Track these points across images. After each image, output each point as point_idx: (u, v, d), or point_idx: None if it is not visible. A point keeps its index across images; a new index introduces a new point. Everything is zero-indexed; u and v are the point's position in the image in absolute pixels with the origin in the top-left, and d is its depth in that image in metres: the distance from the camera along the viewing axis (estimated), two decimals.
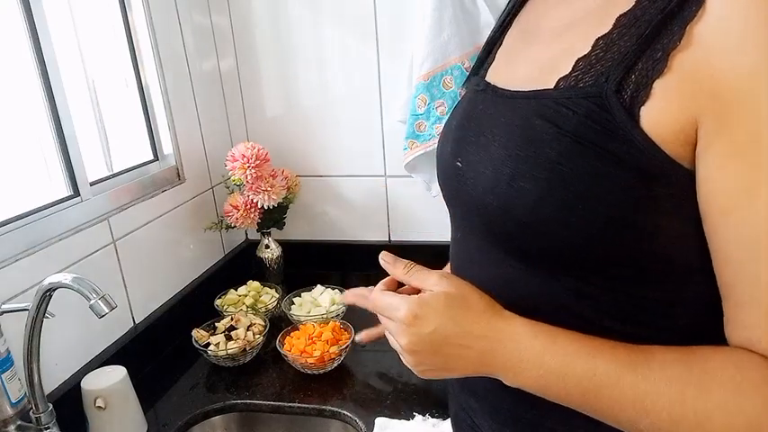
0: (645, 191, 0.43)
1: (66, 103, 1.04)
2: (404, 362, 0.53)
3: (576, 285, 0.48)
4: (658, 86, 0.41)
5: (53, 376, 0.97)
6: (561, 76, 0.47)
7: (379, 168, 1.52)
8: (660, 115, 0.41)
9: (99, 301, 0.77)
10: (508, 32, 0.62)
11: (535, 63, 0.52)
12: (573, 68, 0.46)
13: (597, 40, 0.45)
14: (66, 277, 0.79)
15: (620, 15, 0.45)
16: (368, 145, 1.51)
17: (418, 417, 1.00)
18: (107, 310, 0.77)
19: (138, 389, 1.01)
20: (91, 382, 0.94)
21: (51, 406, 0.85)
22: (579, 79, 0.45)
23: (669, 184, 0.42)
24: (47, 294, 0.81)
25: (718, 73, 0.38)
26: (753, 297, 0.40)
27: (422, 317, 0.50)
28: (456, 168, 0.55)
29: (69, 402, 0.94)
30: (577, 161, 0.44)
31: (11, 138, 1.00)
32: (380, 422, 0.99)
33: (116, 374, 0.96)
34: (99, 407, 0.92)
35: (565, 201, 0.44)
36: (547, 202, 0.45)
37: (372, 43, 1.43)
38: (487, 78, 0.59)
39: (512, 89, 0.52)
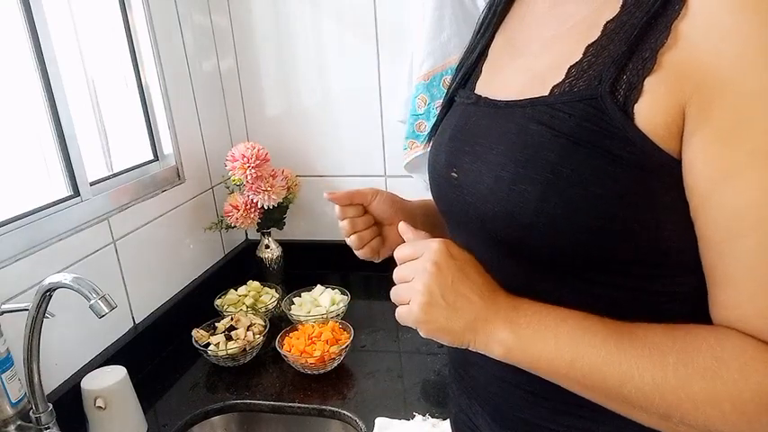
0: (644, 187, 0.43)
1: (66, 103, 1.04)
2: (416, 293, 0.50)
3: (581, 284, 0.49)
4: (649, 84, 0.42)
5: (53, 377, 0.97)
6: (555, 83, 0.47)
7: (379, 168, 1.52)
8: (653, 111, 0.42)
9: (99, 301, 0.77)
10: (492, 45, 0.62)
11: (526, 73, 0.53)
12: (566, 75, 0.47)
13: (588, 47, 0.46)
14: (66, 277, 0.79)
15: (608, 22, 0.46)
16: (368, 145, 1.51)
17: (418, 417, 1.00)
18: (107, 310, 0.77)
19: (138, 389, 1.01)
20: (91, 382, 0.94)
21: (51, 406, 0.85)
22: (573, 85, 0.46)
23: (667, 179, 0.43)
24: (47, 294, 0.81)
25: (703, 64, 0.40)
26: (731, 278, 0.42)
27: (455, 248, 0.51)
28: (451, 180, 0.56)
29: (69, 402, 0.94)
30: (576, 162, 0.44)
31: (11, 137, 1.00)
32: (380, 422, 0.99)
33: (116, 374, 0.96)
34: (99, 407, 0.92)
35: (566, 201, 0.45)
36: (548, 203, 0.45)
37: (372, 43, 1.43)
38: (477, 91, 0.59)
39: (505, 99, 0.53)
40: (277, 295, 1.40)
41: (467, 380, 0.61)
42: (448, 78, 1.28)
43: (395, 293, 0.53)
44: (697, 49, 0.40)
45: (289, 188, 1.49)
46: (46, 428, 0.84)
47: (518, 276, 0.52)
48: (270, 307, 1.37)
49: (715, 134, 0.40)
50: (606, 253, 0.46)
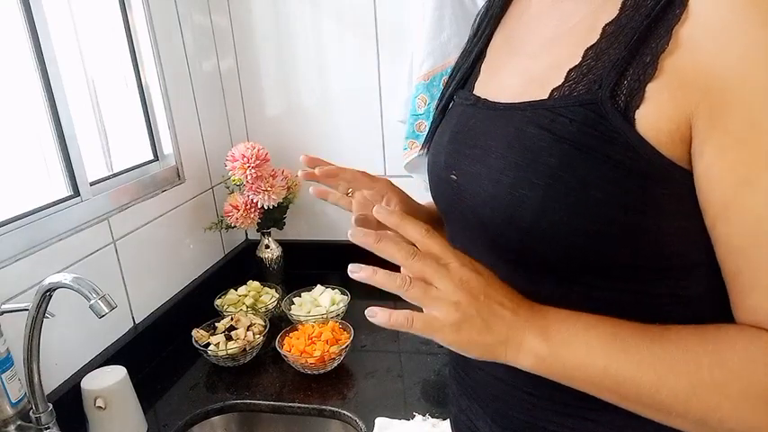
0: (645, 193, 0.43)
1: (66, 103, 1.04)
2: (447, 308, 0.45)
3: (581, 288, 0.48)
4: (651, 90, 0.41)
5: (53, 377, 0.97)
6: (554, 86, 0.47)
7: (380, 168, 1.52)
8: (655, 117, 0.41)
9: (99, 301, 0.77)
10: (490, 44, 0.62)
11: (524, 75, 0.52)
12: (565, 79, 0.46)
13: (587, 50, 0.46)
14: (66, 277, 0.79)
15: (606, 25, 0.46)
16: (368, 145, 1.51)
17: (418, 417, 1.00)
18: (107, 310, 0.77)
19: (138, 389, 1.01)
20: (91, 383, 0.94)
21: (51, 406, 0.85)
22: (573, 89, 0.46)
23: (668, 185, 0.43)
24: (47, 294, 0.81)
25: (708, 69, 0.39)
26: (758, 283, 0.41)
27: (476, 263, 0.48)
28: (451, 182, 0.55)
29: (69, 402, 0.94)
30: (577, 167, 0.44)
31: (11, 137, 1.00)
32: (380, 422, 0.99)
33: (116, 374, 0.96)
34: (99, 407, 0.92)
35: (566, 205, 0.45)
36: (548, 208, 0.45)
37: (372, 43, 1.43)
38: (476, 92, 0.59)
39: (503, 101, 0.52)
40: (277, 295, 1.40)
41: (467, 381, 0.61)
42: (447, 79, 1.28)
43: (414, 291, 0.45)
44: (700, 53, 0.39)
45: (289, 188, 1.49)
46: (46, 428, 0.84)
47: (518, 280, 0.51)
48: (270, 307, 1.37)
49: (730, 140, 0.39)
50: (606, 257, 0.46)
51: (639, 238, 0.45)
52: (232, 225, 1.45)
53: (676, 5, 0.41)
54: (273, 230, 1.55)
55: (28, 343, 0.82)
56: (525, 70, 0.53)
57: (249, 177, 1.39)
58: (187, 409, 1.07)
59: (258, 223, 1.49)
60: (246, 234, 1.69)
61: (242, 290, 1.42)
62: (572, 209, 0.44)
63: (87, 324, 1.02)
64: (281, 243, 1.57)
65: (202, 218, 1.47)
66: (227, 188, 1.50)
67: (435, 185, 0.60)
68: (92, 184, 1.11)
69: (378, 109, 1.48)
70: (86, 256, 1.06)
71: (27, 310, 0.82)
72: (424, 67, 1.28)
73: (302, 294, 1.39)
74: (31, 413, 0.84)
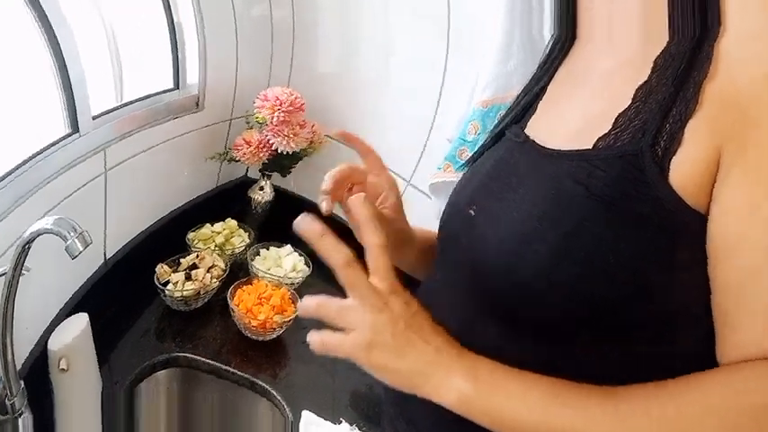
0: (661, 247, 0.42)
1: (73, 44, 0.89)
2: (361, 328, 0.44)
3: (564, 350, 0.47)
4: (690, 129, 0.41)
5: (24, 345, 0.91)
6: (600, 135, 0.46)
7: (407, 172, 1.39)
8: (689, 160, 0.41)
9: (76, 240, 0.70)
10: (554, 78, 0.59)
11: (577, 118, 0.51)
12: (613, 126, 0.45)
13: (637, 90, 0.45)
14: (47, 222, 0.72)
15: (657, 57, 0.44)
16: (406, 146, 1.37)
17: (345, 424, 1.03)
18: (81, 248, 0.70)
19: (98, 336, 1.01)
20: (56, 341, 0.92)
21: (23, 384, 0.80)
22: (618, 137, 0.44)
23: (685, 237, 0.42)
24: (26, 247, 0.74)
25: (743, 92, 0.38)
26: (753, 315, 0.40)
27: (413, 300, 0.47)
28: (466, 216, 0.54)
29: (38, 371, 0.91)
30: (601, 226, 0.43)
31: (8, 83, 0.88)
32: (307, 417, 1.02)
33: (78, 325, 0.96)
34: (62, 369, 0.91)
35: (576, 267, 0.43)
36: (556, 268, 0.44)
37: (443, 44, 1.25)
38: (527, 131, 0.57)
39: (550, 147, 0.51)
40: (248, 241, 1.39)
41: (405, 405, 0.59)
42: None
43: (335, 313, 0.45)
44: (736, 67, 0.39)
45: (311, 142, 1.40)
46: (20, 415, 0.79)
47: (491, 335, 0.49)
48: (237, 251, 1.36)
49: (748, 167, 0.39)
50: (604, 321, 0.45)
51: (647, 297, 0.43)
52: (236, 159, 1.38)
53: (713, 24, 0.40)
54: (275, 176, 1.48)
55: (2, 312, 0.74)
56: (580, 110, 0.51)
57: (275, 119, 1.30)
58: (136, 362, 1.09)
59: (264, 164, 1.42)
60: (247, 171, 1.61)
61: (218, 226, 1.40)
62: (581, 272, 0.43)
63: (58, 272, 0.98)
64: (278, 190, 1.51)
65: (208, 148, 1.38)
66: (248, 123, 1.39)
67: (448, 215, 0.59)
68: (95, 117, 1.01)
69: (431, 115, 1.32)
70: (73, 193, 0.99)
71: (5, 274, 0.74)
72: (486, 92, 1.15)
73: (270, 248, 1.39)
74: (6, 400, 0.76)
